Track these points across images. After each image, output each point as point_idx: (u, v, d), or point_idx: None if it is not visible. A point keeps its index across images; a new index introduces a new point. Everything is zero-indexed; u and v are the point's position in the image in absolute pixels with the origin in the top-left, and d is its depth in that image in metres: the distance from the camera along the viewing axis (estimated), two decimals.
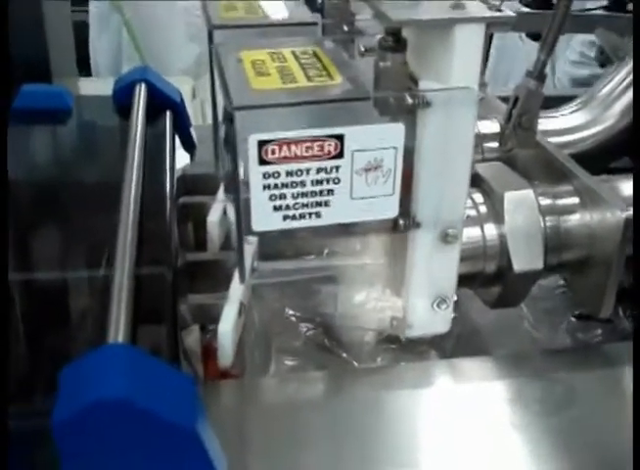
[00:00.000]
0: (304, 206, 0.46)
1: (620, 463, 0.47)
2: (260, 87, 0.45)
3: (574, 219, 0.58)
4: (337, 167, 0.45)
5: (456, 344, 0.60)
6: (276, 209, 0.45)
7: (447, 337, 0.58)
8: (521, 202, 0.56)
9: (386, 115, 0.46)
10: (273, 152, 0.43)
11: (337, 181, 0.45)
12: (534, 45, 0.89)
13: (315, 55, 0.49)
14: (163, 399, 0.37)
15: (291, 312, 0.64)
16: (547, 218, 0.57)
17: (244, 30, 0.57)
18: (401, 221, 0.49)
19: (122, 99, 0.70)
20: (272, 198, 0.45)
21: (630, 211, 0.53)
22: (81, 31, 1.62)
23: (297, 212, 0.46)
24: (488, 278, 0.57)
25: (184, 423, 0.36)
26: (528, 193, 0.57)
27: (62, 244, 0.58)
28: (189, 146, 0.73)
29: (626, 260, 0.54)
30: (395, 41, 0.47)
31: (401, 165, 0.46)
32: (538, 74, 0.58)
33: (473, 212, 0.57)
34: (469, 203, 0.56)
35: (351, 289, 0.56)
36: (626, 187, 0.59)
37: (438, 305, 0.53)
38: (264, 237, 0.49)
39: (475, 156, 0.50)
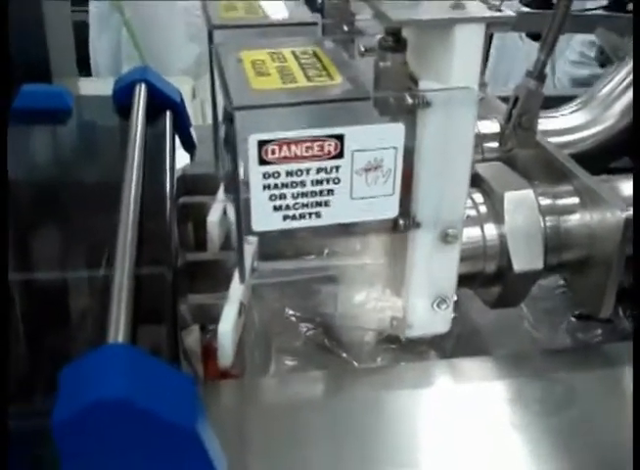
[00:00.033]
0: (304, 206, 0.46)
1: (621, 463, 0.47)
2: (260, 87, 0.45)
3: (574, 219, 0.58)
4: (337, 167, 0.45)
5: (456, 344, 0.60)
6: (276, 209, 0.45)
7: (447, 337, 0.58)
8: (521, 202, 0.56)
9: (386, 115, 0.46)
10: (273, 152, 0.43)
11: (337, 181, 0.45)
12: (534, 45, 0.90)
13: (315, 55, 0.49)
14: (163, 399, 0.37)
15: (291, 312, 0.64)
16: (547, 218, 0.57)
17: (244, 30, 0.57)
18: (401, 221, 0.49)
19: (122, 99, 0.70)
20: (272, 198, 0.45)
21: (630, 211, 0.53)
22: (81, 31, 1.62)
23: (297, 212, 0.46)
24: (488, 278, 0.57)
25: (184, 423, 0.36)
26: (528, 193, 0.57)
27: (62, 244, 0.58)
28: (189, 146, 0.73)
29: (626, 260, 0.54)
30: (395, 41, 0.47)
31: (401, 165, 0.46)
32: (538, 74, 0.58)
33: (473, 212, 0.57)
34: (469, 203, 0.56)
35: (351, 289, 0.56)
36: (626, 187, 0.59)
37: (438, 305, 0.53)
38: (264, 237, 0.49)
39: (474, 156, 0.50)
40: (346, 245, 0.57)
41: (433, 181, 0.49)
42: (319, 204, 0.46)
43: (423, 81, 0.47)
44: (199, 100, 1.26)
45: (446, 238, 0.51)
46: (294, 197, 0.45)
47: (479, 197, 0.58)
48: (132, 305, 0.42)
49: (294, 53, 0.49)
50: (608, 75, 0.78)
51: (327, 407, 0.52)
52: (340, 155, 0.44)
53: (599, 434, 0.50)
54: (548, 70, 0.59)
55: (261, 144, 0.43)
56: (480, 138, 0.67)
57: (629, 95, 0.74)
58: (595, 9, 0.92)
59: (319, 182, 0.45)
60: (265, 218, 0.45)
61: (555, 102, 0.77)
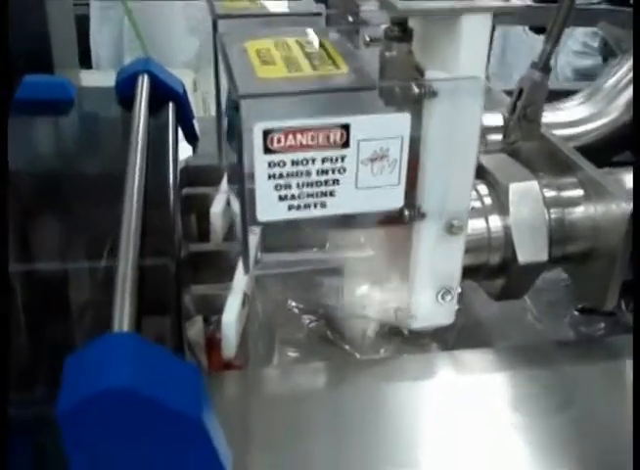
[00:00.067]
0: (310, 195, 0.45)
1: (621, 455, 0.47)
2: (266, 76, 0.44)
3: (579, 211, 0.57)
4: (342, 157, 0.45)
5: (459, 336, 0.60)
6: (281, 198, 0.45)
7: (450, 329, 0.58)
8: (525, 193, 0.56)
9: (391, 104, 0.46)
10: (279, 141, 0.43)
11: (342, 171, 0.45)
12: (537, 38, 0.89)
13: (320, 44, 0.49)
14: (169, 387, 0.36)
15: (293, 304, 0.64)
16: (552, 210, 0.57)
17: (247, 21, 0.57)
18: (406, 212, 0.49)
19: (125, 90, 0.70)
20: (277, 187, 0.45)
21: None
22: (82, 25, 1.61)
23: (303, 202, 0.45)
24: (493, 270, 0.57)
25: (189, 412, 0.36)
26: (533, 184, 0.56)
27: (64, 235, 0.57)
28: (192, 138, 0.73)
29: (631, 253, 0.54)
30: (402, 31, 0.46)
31: (407, 156, 0.46)
32: (543, 66, 0.58)
33: (477, 204, 0.57)
34: (473, 194, 0.56)
35: (356, 280, 0.56)
36: (631, 179, 0.58)
37: (443, 297, 0.53)
38: (269, 228, 0.48)
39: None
40: (351, 236, 0.57)
41: (438, 172, 0.49)
42: (324, 194, 0.46)
43: (429, 71, 0.47)
44: (200, 93, 1.25)
45: (451, 229, 0.50)
46: (299, 186, 0.45)
47: (483, 188, 0.57)
48: (136, 294, 0.42)
49: (299, 42, 0.49)
50: (612, 68, 0.78)
51: (329, 398, 0.52)
52: (345, 144, 0.44)
53: (601, 425, 0.50)
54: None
55: (267, 133, 0.42)
56: (484, 131, 0.67)
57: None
58: (599, 2, 0.92)
59: (324, 172, 0.45)
60: (270, 208, 0.45)
61: (558, 95, 0.77)
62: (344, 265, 0.57)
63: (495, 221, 0.56)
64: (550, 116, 0.72)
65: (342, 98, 0.45)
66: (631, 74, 0.74)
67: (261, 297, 0.61)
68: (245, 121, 0.42)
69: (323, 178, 0.45)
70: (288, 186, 0.45)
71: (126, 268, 0.44)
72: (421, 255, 0.52)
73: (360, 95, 0.45)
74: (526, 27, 1.35)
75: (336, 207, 0.46)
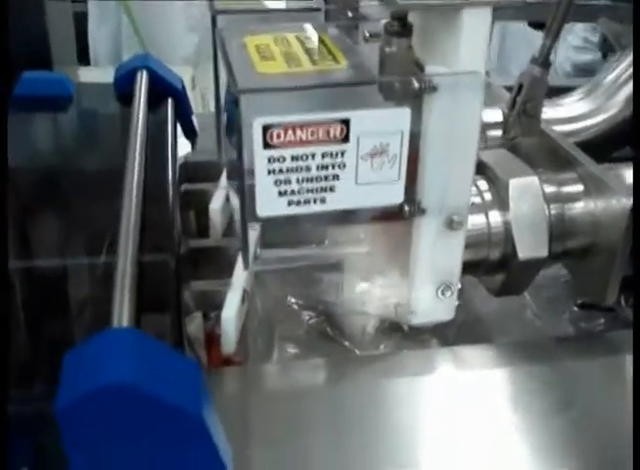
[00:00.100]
0: (309, 191, 0.45)
1: (621, 451, 0.47)
2: (265, 71, 0.44)
3: (579, 207, 0.57)
4: (342, 152, 0.44)
5: (458, 332, 0.60)
6: (281, 194, 0.45)
7: (450, 325, 0.58)
8: (526, 189, 0.56)
9: (391, 99, 0.46)
10: (278, 136, 0.43)
11: (342, 166, 0.45)
12: (535, 33, 0.89)
13: (320, 40, 0.49)
14: (169, 383, 0.36)
15: (293, 301, 0.63)
16: (552, 206, 0.57)
17: (246, 17, 0.57)
18: (406, 207, 0.48)
19: (124, 86, 0.70)
20: (277, 183, 0.44)
21: None
22: (80, 22, 1.61)
23: (302, 198, 0.45)
24: (492, 266, 0.57)
25: (189, 408, 0.36)
26: (533, 180, 0.56)
27: (63, 231, 0.57)
28: (190, 133, 0.73)
29: (631, 248, 0.54)
30: (401, 26, 0.46)
31: (407, 151, 0.46)
32: (543, 61, 0.58)
33: (477, 200, 0.56)
34: (473, 190, 0.55)
35: (355, 276, 0.56)
36: (631, 175, 0.58)
37: (443, 293, 0.53)
38: (268, 224, 0.48)
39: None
40: (350, 232, 0.57)
41: (438, 167, 0.48)
42: (324, 189, 0.45)
43: (429, 66, 0.47)
44: (199, 89, 1.25)
45: (451, 224, 0.50)
46: (299, 182, 0.45)
47: (483, 184, 0.57)
48: (136, 290, 0.42)
49: (298, 38, 0.49)
50: (612, 64, 0.78)
51: (329, 395, 0.52)
52: (345, 139, 0.44)
53: (601, 421, 0.50)
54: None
55: (266, 128, 0.42)
56: (483, 127, 0.66)
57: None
58: None
59: (324, 167, 0.45)
60: (270, 204, 0.45)
61: (558, 92, 0.77)
62: (344, 261, 0.57)
63: (495, 217, 0.56)
64: (550, 111, 0.72)
65: (342, 93, 0.45)
66: (631, 70, 0.74)
67: (261, 293, 0.61)
68: (244, 117, 0.42)
69: (323, 174, 0.45)
70: (287, 181, 0.45)
71: (126, 264, 0.44)
72: (421, 250, 0.51)
73: (360, 90, 0.45)
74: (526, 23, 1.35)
75: (336, 202, 0.46)
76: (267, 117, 0.42)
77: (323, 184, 0.45)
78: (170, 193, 0.56)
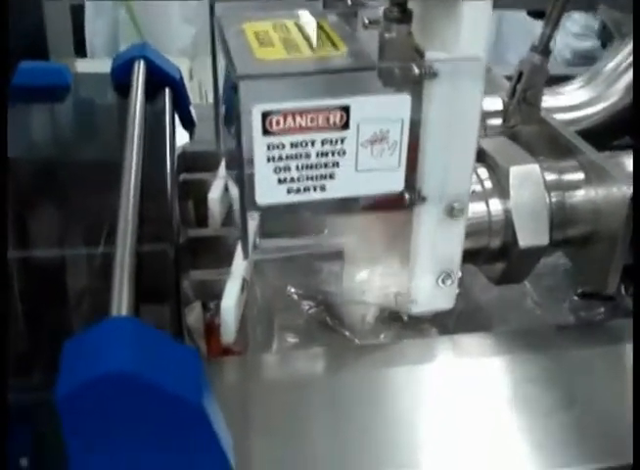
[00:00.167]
0: (309, 178, 0.45)
1: (621, 440, 0.47)
2: (265, 57, 0.44)
3: (580, 195, 0.57)
4: (342, 139, 0.44)
5: (458, 320, 0.60)
6: (280, 181, 0.45)
7: (450, 314, 0.58)
8: (526, 177, 0.56)
9: (390, 86, 0.45)
10: (278, 123, 0.42)
11: (342, 153, 0.45)
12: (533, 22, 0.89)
13: (319, 26, 0.48)
14: (169, 372, 0.36)
15: (293, 290, 0.63)
16: (552, 194, 0.57)
17: (244, 5, 0.56)
18: (407, 195, 0.48)
19: (121, 76, 0.69)
20: (276, 170, 0.44)
21: None
22: (77, 15, 1.61)
23: (302, 185, 0.45)
24: (493, 254, 0.57)
25: (190, 397, 0.36)
26: (534, 168, 0.56)
27: (62, 221, 0.57)
28: (188, 124, 0.73)
29: (631, 237, 0.54)
30: (401, 12, 0.46)
31: (407, 138, 0.45)
32: (543, 49, 0.58)
33: (478, 188, 0.56)
34: (473, 178, 0.55)
35: (355, 266, 0.56)
36: (632, 163, 0.58)
37: (443, 281, 0.53)
38: (267, 213, 0.48)
39: None
40: (349, 221, 0.57)
41: (439, 154, 0.48)
42: (324, 176, 0.45)
43: (429, 52, 0.47)
44: (196, 80, 1.25)
45: (452, 212, 0.50)
46: (298, 169, 0.44)
47: (483, 172, 0.57)
48: (135, 279, 0.42)
49: (297, 24, 0.48)
50: (612, 51, 0.77)
51: (329, 384, 0.52)
52: (345, 126, 0.44)
53: (600, 410, 0.50)
54: None
55: (265, 115, 0.42)
56: (483, 115, 0.66)
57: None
58: None
59: (324, 154, 0.44)
60: (269, 191, 0.45)
61: (558, 81, 0.77)
62: (344, 251, 0.56)
63: (496, 205, 0.56)
64: (550, 100, 0.71)
65: (342, 80, 0.45)
66: (631, 58, 0.74)
67: (260, 282, 0.60)
68: (243, 103, 0.42)
69: (323, 161, 0.45)
70: (287, 169, 0.44)
71: (124, 253, 0.44)
72: (421, 238, 0.51)
73: (360, 77, 0.45)
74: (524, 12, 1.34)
75: (335, 190, 0.46)
76: (267, 103, 0.42)
77: (323, 171, 0.45)
78: (169, 183, 0.56)
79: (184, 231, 0.57)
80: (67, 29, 1.28)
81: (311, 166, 0.45)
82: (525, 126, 0.61)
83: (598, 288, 0.57)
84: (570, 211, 0.57)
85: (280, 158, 0.44)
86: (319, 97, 0.43)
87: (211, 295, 0.54)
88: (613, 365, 0.55)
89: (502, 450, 0.47)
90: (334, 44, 0.46)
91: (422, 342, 0.58)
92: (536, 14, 0.96)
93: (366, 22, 0.50)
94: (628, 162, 0.58)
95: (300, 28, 0.48)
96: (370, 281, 0.56)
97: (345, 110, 0.43)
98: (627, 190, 0.53)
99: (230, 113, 0.52)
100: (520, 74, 0.59)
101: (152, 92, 0.67)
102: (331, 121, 0.43)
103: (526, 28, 1.46)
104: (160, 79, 0.70)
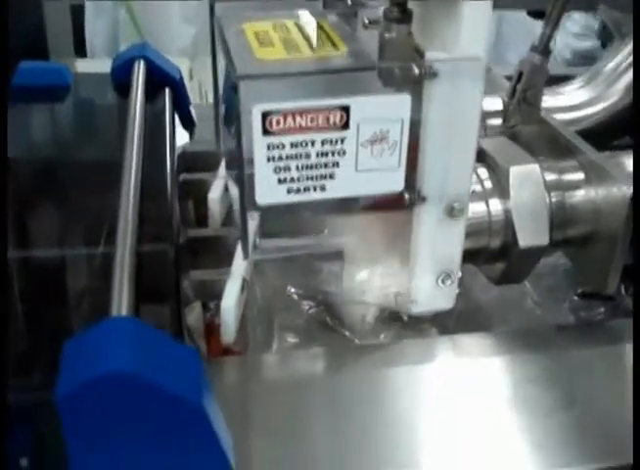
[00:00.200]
0: (309, 178, 0.45)
1: (621, 440, 0.47)
2: (264, 57, 0.44)
3: (580, 195, 0.57)
4: (342, 139, 0.44)
5: (458, 320, 0.60)
6: (280, 181, 0.45)
7: (449, 314, 0.58)
8: (526, 176, 0.56)
9: (390, 86, 0.45)
10: (278, 122, 0.42)
11: (342, 153, 0.45)
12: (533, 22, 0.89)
13: (319, 26, 0.48)
14: (169, 372, 0.36)
15: (293, 290, 0.63)
16: (552, 194, 0.57)
17: (244, 5, 0.56)
18: (407, 195, 0.48)
19: (121, 76, 0.69)
20: (276, 170, 0.44)
21: None
22: (77, 15, 1.61)
23: (302, 185, 0.45)
24: (493, 254, 0.57)
25: (190, 397, 0.36)
26: (534, 168, 0.56)
27: (61, 222, 0.57)
28: (188, 124, 0.73)
29: (631, 237, 0.54)
30: (401, 12, 0.46)
31: (407, 138, 0.45)
32: (543, 49, 0.58)
33: (478, 188, 0.56)
34: (473, 178, 0.55)
35: (355, 266, 0.56)
36: (632, 163, 0.58)
37: (443, 281, 0.53)
38: (267, 213, 0.48)
39: None
40: (349, 222, 0.57)
41: (439, 154, 0.48)
42: (324, 176, 0.45)
43: (429, 52, 0.47)
44: (196, 81, 1.25)
45: (452, 212, 0.50)
46: (298, 169, 0.44)
47: (483, 172, 0.57)
48: (135, 279, 0.42)
49: (297, 24, 0.48)
50: (612, 51, 0.77)
51: (329, 384, 0.52)
52: (345, 126, 0.44)
53: (600, 409, 0.50)
54: None
55: (266, 115, 0.42)
56: (483, 115, 0.66)
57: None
58: None
59: (324, 154, 0.44)
60: (270, 191, 0.45)
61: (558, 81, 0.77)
62: (344, 251, 0.56)
63: (496, 205, 0.56)
64: (550, 100, 0.71)
65: (342, 80, 0.45)
66: (631, 58, 0.74)
67: (260, 282, 0.60)
68: (243, 103, 0.42)
69: (323, 161, 0.45)
70: (287, 169, 0.44)
71: (124, 253, 0.44)
72: (421, 239, 0.51)
73: (360, 77, 0.45)
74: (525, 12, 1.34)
75: (335, 190, 0.46)
76: (267, 103, 0.42)
77: (323, 171, 0.45)
78: (169, 183, 0.56)
79: (184, 231, 0.57)
80: (67, 29, 1.28)
81: (311, 166, 0.45)
82: (525, 126, 0.61)
83: (598, 288, 0.57)
84: (569, 212, 0.57)
85: (280, 158, 0.44)
86: (319, 97, 0.43)
87: (211, 295, 0.53)
88: (613, 365, 0.55)
89: (502, 450, 0.47)
90: (334, 44, 0.46)
91: (422, 342, 0.58)
92: (536, 14, 0.96)
93: (366, 22, 0.50)
94: (628, 162, 0.58)
95: (300, 28, 0.48)
96: (370, 281, 0.56)
97: (345, 110, 0.43)
98: (627, 190, 0.53)
99: (230, 113, 0.52)
100: (520, 74, 0.59)
101: (152, 92, 0.67)
102: (331, 121, 0.43)
103: (526, 28, 1.46)
104: (161, 79, 0.70)
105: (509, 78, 0.63)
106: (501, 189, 0.56)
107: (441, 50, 0.46)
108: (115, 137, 0.59)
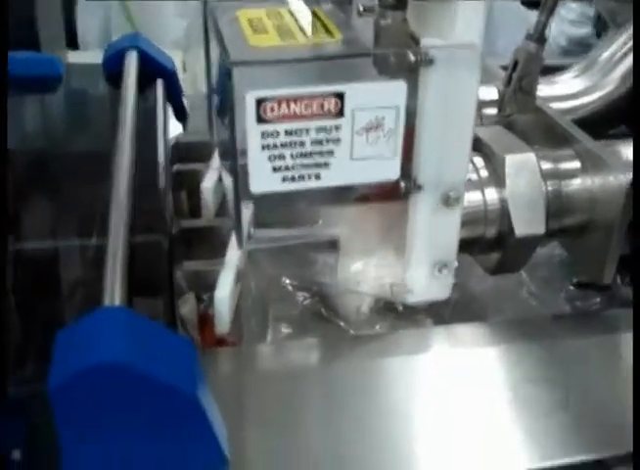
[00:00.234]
0: (304, 167, 0.45)
1: (618, 429, 0.46)
2: (258, 44, 0.44)
3: (576, 184, 0.57)
4: (337, 127, 0.44)
5: (454, 310, 0.60)
6: (275, 170, 0.44)
7: (445, 304, 0.57)
8: (522, 165, 0.55)
9: (386, 73, 0.45)
10: (272, 109, 0.42)
11: (337, 141, 0.44)
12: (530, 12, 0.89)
13: (314, 14, 0.48)
14: (162, 362, 0.36)
15: (287, 281, 0.63)
16: (548, 183, 0.57)
17: None
18: (402, 184, 0.48)
19: (113, 67, 0.69)
20: (271, 158, 0.44)
21: None
22: (69, 8, 1.60)
23: (297, 174, 0.45)
24: (489, 243, 0.56)
25: (184, 387, 0.35)
26: (530, 156, 0.56)
27: (54, 213, 0.57)
28: (181, 115, 0.72)
29: (628, 226, 0.54)
30: None
31: (403, 126, 0.45)
32: (538, 37, 0.57)
33: (473, 176, 0.56)
34: (469, 167, 0.55)
35: (350, 256, 0.56)
36: (628, 151, 0.58)
37: (439, 271, 0.53)
38: (262, 203, 0.47)
39: None
40: (344, 211, 0.57)
41: (435, 142, 0.48)
42: (319, 165, 0.45)
43: (425, 39, 0.46)
44: (189, 73, 1.24)
45: (448, 201, 0.50)
46: (293, 157, 0.44)
47: (479, 161, 0.57)
48: (127, 270, 0.41)
49: (291, 11, 0.48)
50: (607, 41, 0.77)
51: (323, 375, 0.52)
52: (340, 113, 0.43)
53: (596, 399, 0.50)
54: None
55: (260, 101, 0.41)
56: (479, 104, 0.66)
57: (629, 60, 0.74)
58: None
59: (319, 142, 0.44)
60: (264, 180, 0.44)
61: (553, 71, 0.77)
62: (338, 241, 0.56)
63: (491, 194, 0.56)
64: (546, 89, 0.71)
65: (337, 67, 0.44)
66: (626, 47, 0.74)
67: (254, 273, 0.60)
68: (237, 90, 0.41)
69: (317, 149, 0.44)
70: (282, 157, 0.44)
71: (117, 244, 0.43)
72: (417, 228, 0.51)
73: (355, 64, 0.45)
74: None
75: (330, 178, 0.45)
76: (261, 90, 0.41)
77: (318, 159, 0.45)
78: (162, 173, 0.55)
79: (177, 222, 0.57)
80: (58, 22, 1.27)
81: (306, 155, 0.44)
82: (520, 115, 0.61)
83: (595, 278, 0.57)
84: (566, 200, 0.57)
85: (274, 146, 0.43)
86: (314, 84, 0.42)
87: (205, 286, 0.53)
88: (608, 355, 0.55)
89: (496, 440, 0.47)
90: (328, 31, 0.46)
91: (417, 332, 0.58)
92: (530, 3, 0.96)
93: (361, 9, 0.50)
94: (625, 150, 0.58)
95: (295, 16, 0.48)
96: (365, 271, 0.55)
97: (340, 96, 0.43)
98: (624, 179, 0.53)
99: (224, 103, 0.51)
100: (515, 63, 0.58)
101: (144, 83, 0.66)
102: (325, 108, 0.43)
103: (518, 16, 1.46)
104: (153, 70, 0.69)
105: (504, 68, 0.63)
106: (497, 178, 0.56)
107: (437, 37, 0.46)
108: (108, 128, 0.58)
